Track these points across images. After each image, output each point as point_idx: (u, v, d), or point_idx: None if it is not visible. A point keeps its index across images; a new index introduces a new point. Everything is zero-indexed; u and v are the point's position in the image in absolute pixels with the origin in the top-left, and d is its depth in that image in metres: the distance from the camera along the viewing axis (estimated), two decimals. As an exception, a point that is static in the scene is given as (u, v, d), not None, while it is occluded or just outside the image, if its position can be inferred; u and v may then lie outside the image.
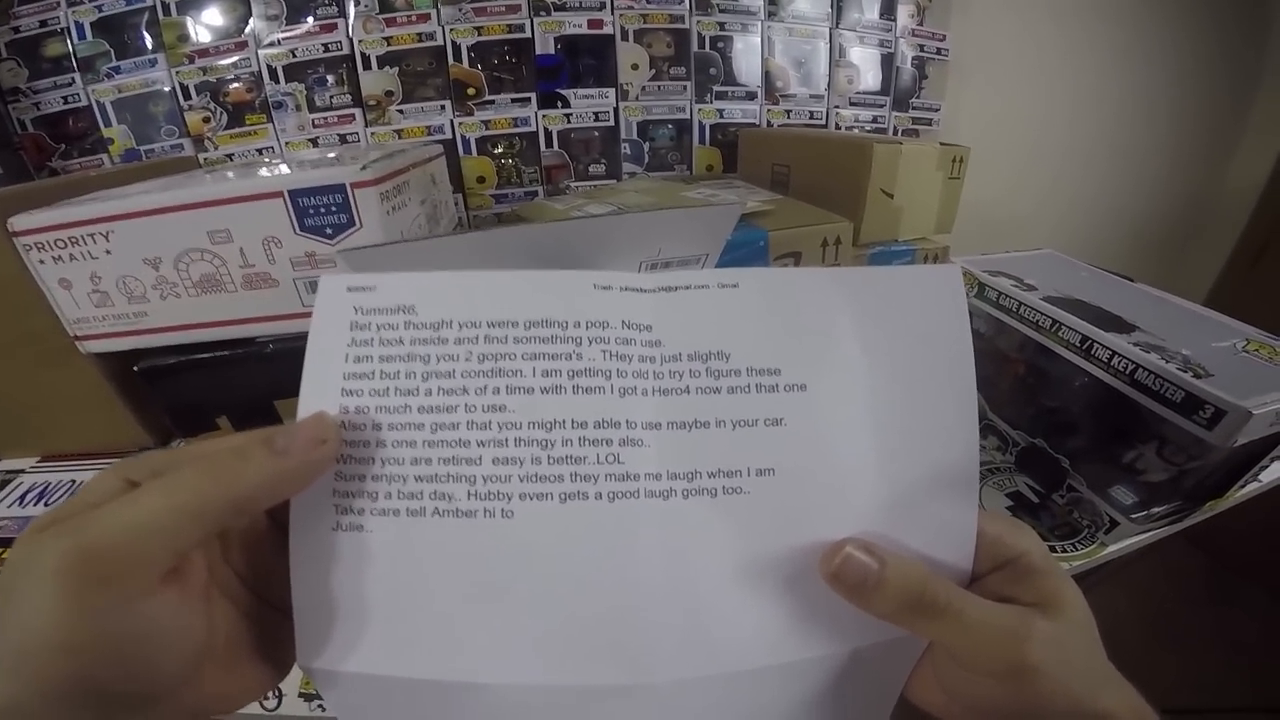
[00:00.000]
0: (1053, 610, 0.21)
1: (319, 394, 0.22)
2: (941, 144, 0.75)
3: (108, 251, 0.51)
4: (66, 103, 0.93)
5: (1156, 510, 0.50)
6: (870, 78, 1.07)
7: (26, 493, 0.60)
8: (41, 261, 0.52)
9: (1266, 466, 0.50)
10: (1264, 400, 0.40)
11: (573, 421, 0.22)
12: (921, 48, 1.08)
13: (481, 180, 1.00)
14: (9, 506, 0.58)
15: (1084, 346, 0.50)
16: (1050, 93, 1.19)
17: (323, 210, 0.49)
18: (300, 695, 0.41)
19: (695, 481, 0.22)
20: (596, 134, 1.01)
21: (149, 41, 0.90)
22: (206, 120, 0.94)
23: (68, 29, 0.89)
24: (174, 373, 0.55)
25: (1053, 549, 0.51)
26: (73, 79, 0.92)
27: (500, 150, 0.99)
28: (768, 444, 0.22)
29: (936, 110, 1.12)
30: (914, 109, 1.11)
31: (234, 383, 0.55)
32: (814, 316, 0.23)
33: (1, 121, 0.92)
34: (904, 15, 1.05)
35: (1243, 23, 1.23)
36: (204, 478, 0.19)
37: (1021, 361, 0.58)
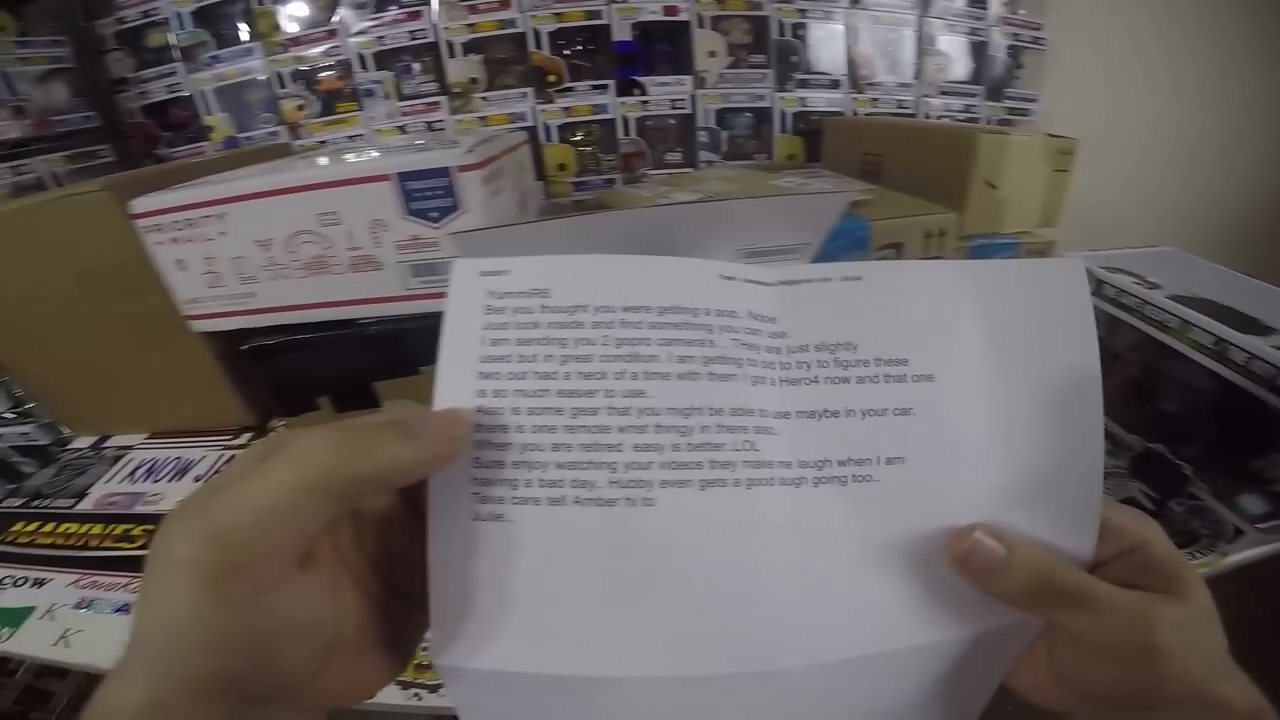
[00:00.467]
0: (1178, 597, 0.21)
1: (456, 377, 0.22)
2: (1050, 135, 0.72)
3: (223, 233, 0.52)
4: (171, 92, 0.97)
5: (1288, 521, 0.47)
6: (961, 67, 1.03)
7: (136, 468, 0.63)
8: (159, 243, 0.54)
9: None
10: None
11: (710, 408, 0.22)
12: (1016, 36, 1.03)
13: (562, 168, 1.00)
14: (120, 482, 0.61)
15: (1217, 348, 0.47)
16: (1158, 85, 1.12)
17: (429, 194, 0.50)
18: (396, 682, 0.40)
19: (825, 469, 0.22)
20: (673, 122, 1.00)
21: (245, 31, 0.94)
22: (300, 108, 0.97)
23: (169, 20, 0.93)
24: (280, 353, 0.56)
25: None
26: (175, 68, 0.96)
27: (579, 138, 0.99)
28: (897, 433, 0.22)
29: (1033, 101, 1.07)
30: (1008, 99, 1.06)
31: (336, 363, 0.56)
32: (938, 308, 0.23)
33: (113, 109, 0.97)
34: (996, 3, 1.01)
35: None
36: (330, 452, 0.18)
37: (1137, 362, 0.55)
